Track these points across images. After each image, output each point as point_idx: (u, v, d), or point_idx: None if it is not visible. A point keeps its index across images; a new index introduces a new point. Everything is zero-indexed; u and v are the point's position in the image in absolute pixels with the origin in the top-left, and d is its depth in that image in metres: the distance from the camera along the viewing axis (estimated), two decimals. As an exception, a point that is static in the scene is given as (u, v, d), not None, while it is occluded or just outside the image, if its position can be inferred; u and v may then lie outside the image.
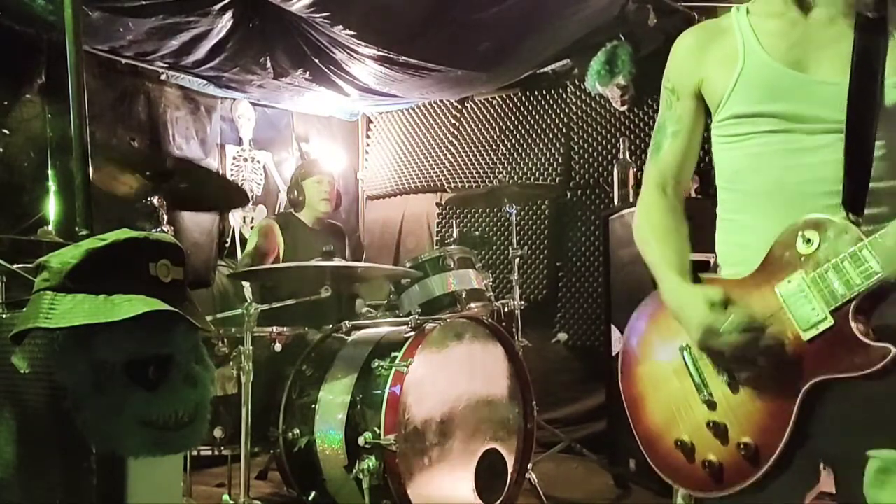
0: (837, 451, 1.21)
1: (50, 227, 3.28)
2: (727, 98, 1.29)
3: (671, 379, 1.31)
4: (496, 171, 4.62)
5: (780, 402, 1.15)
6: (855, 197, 1.16)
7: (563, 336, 4.13)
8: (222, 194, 2.99)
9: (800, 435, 1.15)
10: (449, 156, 4.85)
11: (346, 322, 2.85)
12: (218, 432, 2.61)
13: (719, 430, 1.22)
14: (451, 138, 4.85)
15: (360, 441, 2.36)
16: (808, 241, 1.17)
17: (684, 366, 1.29)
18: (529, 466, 2.83)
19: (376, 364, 2.48)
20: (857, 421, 1.17)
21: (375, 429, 2.36)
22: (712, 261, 1.39)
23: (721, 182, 1.36)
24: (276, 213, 4.50)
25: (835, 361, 1.11)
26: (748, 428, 1.19)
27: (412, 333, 2.56)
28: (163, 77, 4.04)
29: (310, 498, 2.57)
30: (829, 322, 1.12)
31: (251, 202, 4.47)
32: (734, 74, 1.28)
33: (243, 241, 4.24)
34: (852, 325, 1.10)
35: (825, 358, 1.12)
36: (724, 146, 1.33)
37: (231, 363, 2.64)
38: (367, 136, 5.33)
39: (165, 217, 2.61)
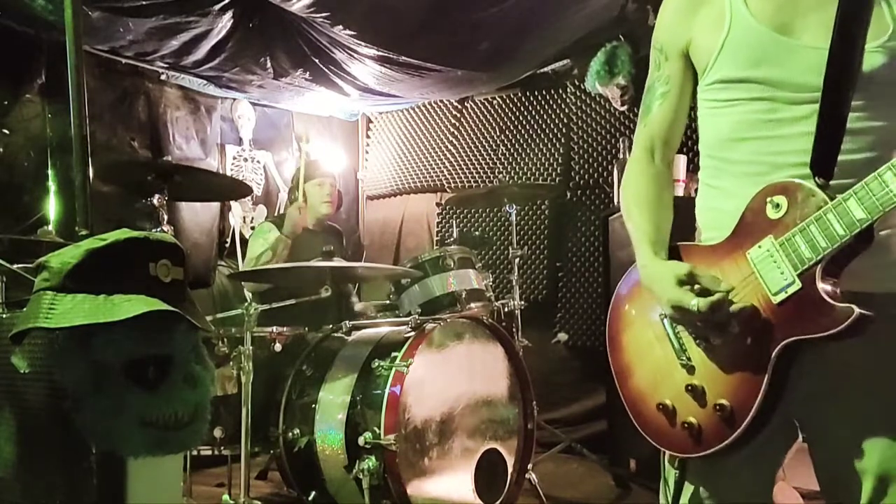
0: (809, 412, 1.24)
1: (50, 227, 3.28)
2: (713, 62, 1.29)
3: (654, 345, 1.34)
4: (496, 171, 4.62)
5: (753, 364, 1.18)
6: (823, 161, 1.16)
7: (563, 336, 4.13)
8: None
9: (774, 396, 1.17)
10: (449, 156, 4.85)
11: (346, 322, 2.85)
12: (218, 432, 2.61)
13: (697, 393, 1.25)
14: (451, 138, 4.85)
15: (360, 441, 2.35)
16: (777, 205, 1.18)
17: (665, 332, 1.32)
18: (529, 466, 2.83)
19: (376, 364, 2.48)
20: (827, 381, 1.19)
21: (375, 429, 2.36)
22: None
23: (704, 149, 1.37)
24: (276, 214, 4.50)
25: (803, 323, 1.13)
26: (724, 390, 1.21)
27: (412, 333, 2.56)
28: (163, 77, 4.03)
29: (310, 498, 2.57)
30: (798, 285, 1.14)
31: (251, 202, 4.47)
32: (720, 38, 1.27)
33: (243, 241, 4.24)
34: (819, 287, 1.12)
35: (794, 320, 1.14)
36: (709, 112, 1.33)
37: (231, 363, 2.64)
38: (367, 136, 5.33)
39: (165, 217, 2.62)
